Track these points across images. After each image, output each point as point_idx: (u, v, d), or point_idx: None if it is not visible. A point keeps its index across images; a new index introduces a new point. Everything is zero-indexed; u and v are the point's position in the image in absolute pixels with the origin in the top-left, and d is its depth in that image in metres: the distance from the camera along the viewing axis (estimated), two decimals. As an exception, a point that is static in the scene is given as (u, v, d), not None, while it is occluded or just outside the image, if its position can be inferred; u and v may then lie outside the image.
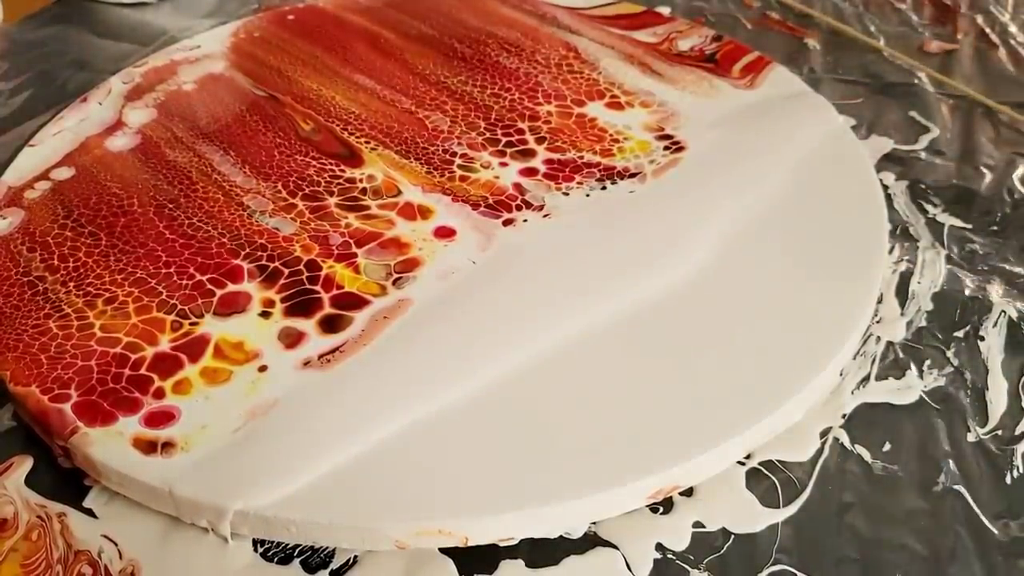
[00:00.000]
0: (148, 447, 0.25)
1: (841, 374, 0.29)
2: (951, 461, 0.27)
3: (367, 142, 0.38)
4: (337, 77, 0.42)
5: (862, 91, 0.43)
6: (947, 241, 0.34)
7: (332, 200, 0.34)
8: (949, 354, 0.30)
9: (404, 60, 0.43)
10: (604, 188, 0.35)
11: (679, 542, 0.25)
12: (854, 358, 0.30)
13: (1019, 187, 0.37)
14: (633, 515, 0.25)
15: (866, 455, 0.27)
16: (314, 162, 0.36)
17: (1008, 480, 0.26)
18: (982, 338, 0.31)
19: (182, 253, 0.32)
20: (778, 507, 0.25)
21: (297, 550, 0.24)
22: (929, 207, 0.36)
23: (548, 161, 0.36)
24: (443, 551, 0.24)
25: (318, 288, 0.30)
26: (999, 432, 0.28)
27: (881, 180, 0.36)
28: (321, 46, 0.45)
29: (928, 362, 0.30)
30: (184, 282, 0.31)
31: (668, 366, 0.28)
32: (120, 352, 0.28)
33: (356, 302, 0.30)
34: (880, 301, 0.32)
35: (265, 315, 0.30)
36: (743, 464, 0.26)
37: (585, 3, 0.48)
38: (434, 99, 0.40)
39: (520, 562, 0.24)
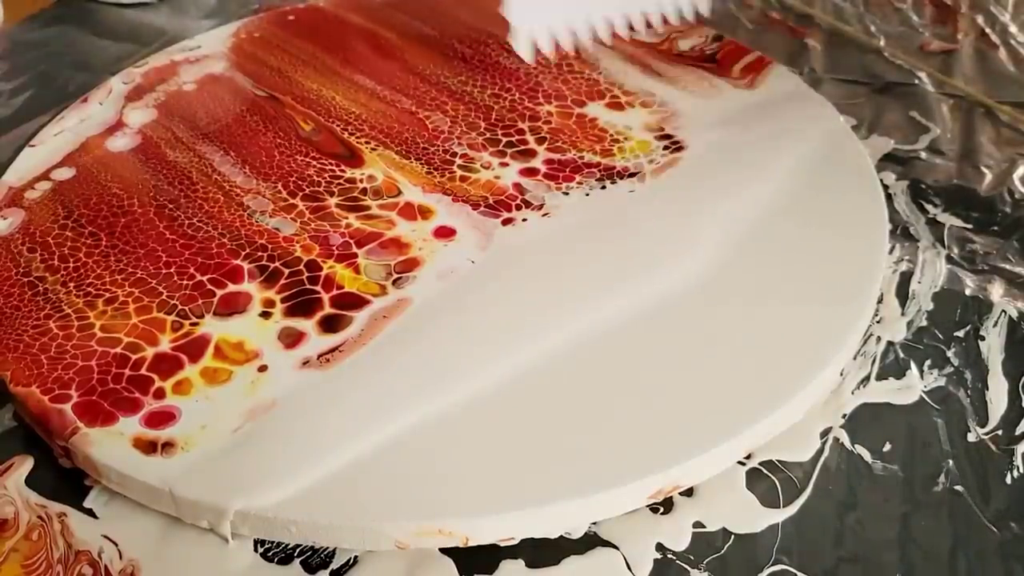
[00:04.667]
0: (148, 447, 0.25)
1: (841, 374, 0.29)
2: (951, 461, 0.27)
3: (367, 142, 0.38)
4: (337, 77, 0.42)
5: (862, 91, 0.43)
6: (947, 241, 0.34)
7: (332, 200, 0.34)
8: (949, 354, 0.30)
9: (404, 60, 0.43)
10: (604, 188, 0.35)
11: (679, 542, 0.25)
12: (854, 358, 0.30)
13: (1019, 187, 0.37)
14: (633, 515, 0.25)
15: (866, 455, 0.27)
16: (314, 162, 0.36)
17: (1008, 480, 0.26)
18: (982, 338, 0.31)
19: (182, 253, 0.32)
20: (778, 507, 0.25)
21: (297, 550, 0.24)
22: (929, 207, 0.36)
23: (548, 161, 0.36)
24: (443, 551, 0.24)
25: (318, 288, 0.30)
26: (999, 432, 0.28)
27: (881, 180, 0.36)
28: (321, 46, 0.45)
29: (928, 362, 0.30)
30: (184, 282, 0.31)
31: (668, 366, 0.28)
32: (120, 352, 0.28)
33: (356, 302, 0.30)
34: (880, 301, 0.32)
35: (265, 315, 0.30)
36: (743, 464, 0.26)
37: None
38: (434, 99, 0.40)
39: (520, 562, 0.24)
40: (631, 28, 0.34)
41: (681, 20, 0.35)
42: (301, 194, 0.35)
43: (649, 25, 0.34)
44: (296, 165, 0.36)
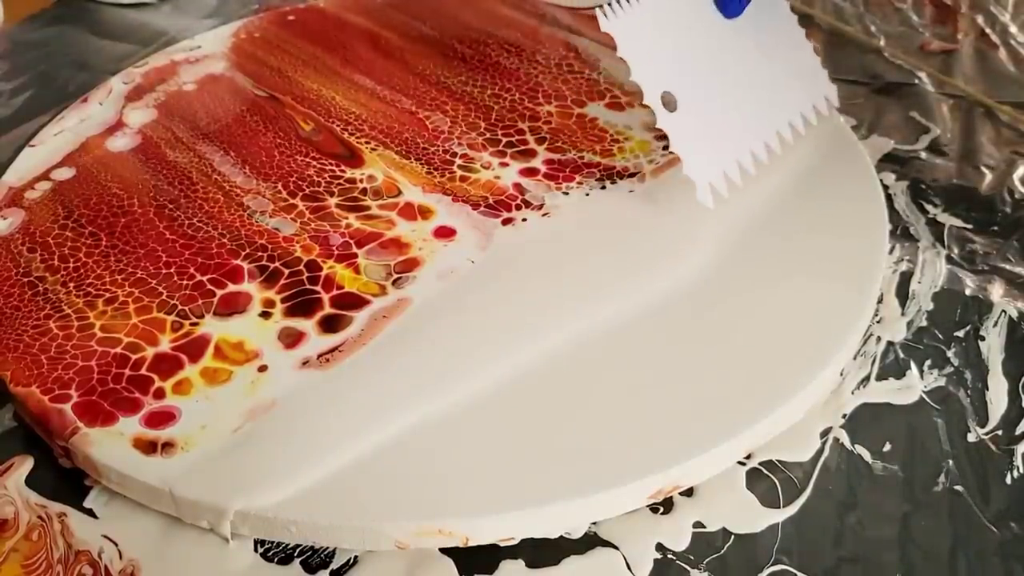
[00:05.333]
0: (148, 447, 0.25)
1: (841, 374, 0.29)
2: (951, 461, 0.27)
3: (367, 142, 0.38)
4: (337, 77, 0.42)
5: (862, 91, 0.43)
6: (947, 241, 0.34)
7: (332, 200, 0.34)
8: (949, 354, 0.30)
9: (404, 60, 0.43)
10: (604, 188, 0.35)
11: (679, 542, 0.25)
12: (854, 358, 0.30)
13: (1019, 187, 0.37)
14: (633, 515, 0.25)
15: (866, 455, 0.27)
16: (314, 162, 0.36)
17: (1008, 480, 0.26)
18: (982, 338, 0.31)
19: (182, 253, 0.32)
20: (778, 507, 0.25)
21: (297, 550, 0.24)
22: (929, 207, 0.36)
23: (548, 161, 0.36)
24: (443, 551, 0.24)
25: (318, 288, 0.30)
26: (999, 432, 0.28)
27: (881, 180, 0.36)
28: (321, 46, 0.45)
29: (928, 362, 0.30)
30: (184, 282, 0.31)
31: (668, 366, 0.28)
32: (120, 352, 0.28)
33: (356, 302, 0.30)
34: (880, 301, 0.32)
35: (265, 315, 0.30)
36: (743, 464, 0.26)
37: (585, 3, 0.48)
38: (434, 99, 0.40)
39: (520, 562, 0.24)
40: (781, 139, 0.35)
41: (818, 118, 0.36)
42: (301, 194, 0.35)
43: (794, 130, 0.35)
44: (296, 165, 0.36)
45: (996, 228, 0.35)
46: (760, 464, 0.26)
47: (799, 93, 0.36)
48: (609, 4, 0.32)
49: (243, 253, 0.32)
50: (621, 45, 0.31)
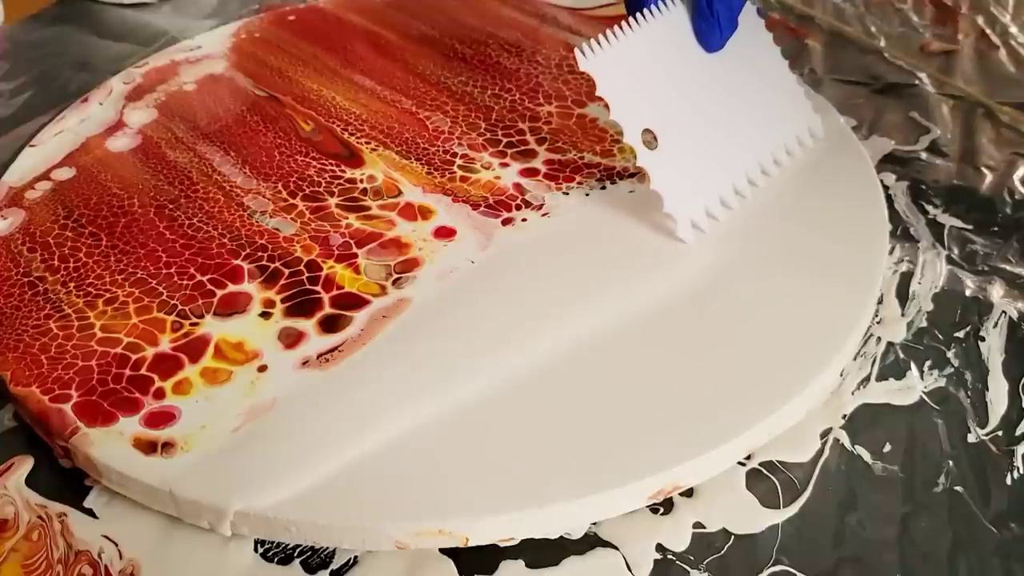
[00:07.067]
0: (148, 447, 0.25)
1: (842, 375, 0.29)
2: (951, 461, 0.27)
3: (368, 143, 0.38)
4: (337, 77, 0.42)
5: (862, 92, 0.43)
6: (948, 241, 0.34)
7: (332, 201, 0.34)
8: (949, 354, 0.30)
9: (405, 60, 0.43)
10: (604, 188, 0.35)
11: (679, 542, 0.25)
12: (855, 359, 0.30)
13: (1020, 187, 0.37)
14: (633, 515, 0.25)
15: (866, 455, 0.27)
16: (314, 162, 0.36)
17: (1008, 480, 0.26)
18: (982, 338, 0.31)
19: (182, 253, 0.32)
20: (778, 508, 0.25)
21: (297, 550, 0.24)
22: (930, 208, 0.36)
23: (548, 161, 0.36)
24: (443, 551, 0.24)
25: (318, 288, 0.30)
26: (999, 433, 0.28)
27: (881, 181, 0.36)
28: (322, 46, 0.45)
29: (928, 362, 0.30)
30: (184, 282, 0.31)
31: (668, 366, 0.28)
32: (120, 352, 0.28)
33: (356, 302, 0.30)
34: (881, 302, 0.32)
35: (265, 315, 0.30)
36: (743, 464, 0.26)
37: (585, 3, 0.48)
38: (435, 100, 0.40)
39: (520, 562, 0.24)
40: (764, 173, 0.35)
41: (802, 149, 0.36)
42: (301, 194, 0.35)
43: (777, 164, 0.35)
44: (296, 165, 0.36)
45: (996, 229, 0.35)
46: (760, 465, 0.26)
47: (783, 125, 0.36)
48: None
49: (243, 253, 0.32)
50: (600, 84, 0.31)
